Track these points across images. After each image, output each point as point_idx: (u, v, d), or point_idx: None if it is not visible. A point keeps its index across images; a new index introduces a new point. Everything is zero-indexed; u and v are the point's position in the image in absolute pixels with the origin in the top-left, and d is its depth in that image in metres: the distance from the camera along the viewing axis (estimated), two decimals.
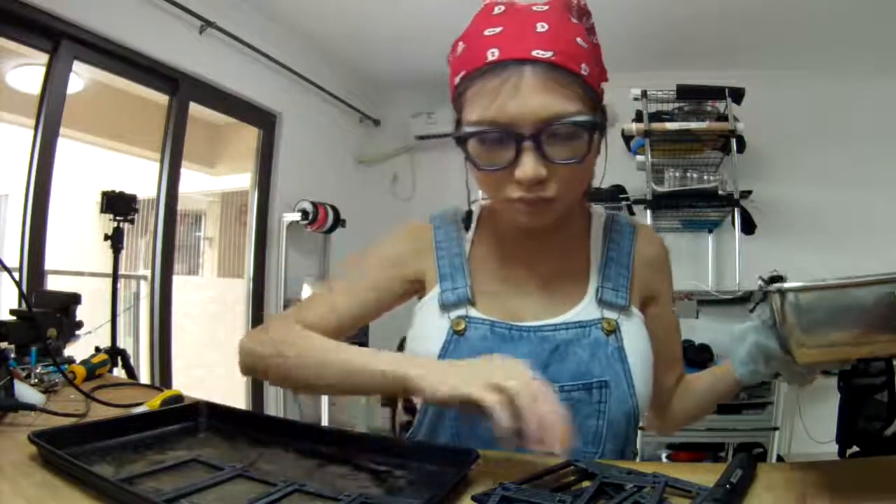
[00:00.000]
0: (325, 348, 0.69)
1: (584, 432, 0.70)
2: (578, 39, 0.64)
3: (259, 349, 0.73)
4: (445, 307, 0.75)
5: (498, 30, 0.63)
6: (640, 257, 0.78)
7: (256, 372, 0.74)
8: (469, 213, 0.82)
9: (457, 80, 0.67)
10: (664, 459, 2.72)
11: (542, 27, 0.62)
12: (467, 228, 0.81)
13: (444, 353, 0.72)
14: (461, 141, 0.66)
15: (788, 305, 0.49)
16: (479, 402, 0.52)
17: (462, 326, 0.73)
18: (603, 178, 0.75)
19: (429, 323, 0.76)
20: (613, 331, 0.72)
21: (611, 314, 0.73)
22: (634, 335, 0.74)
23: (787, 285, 0.49)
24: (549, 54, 0.61)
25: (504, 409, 0.52)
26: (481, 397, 0.53)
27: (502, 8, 0.66)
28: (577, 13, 0.67)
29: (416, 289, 0.80)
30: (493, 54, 0.62)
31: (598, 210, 0.83)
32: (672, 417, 0.86)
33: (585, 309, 0.74)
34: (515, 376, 0.54)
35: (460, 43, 0.68)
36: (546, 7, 0.65)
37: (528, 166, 0.62)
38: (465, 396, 0.54)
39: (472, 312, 0.74)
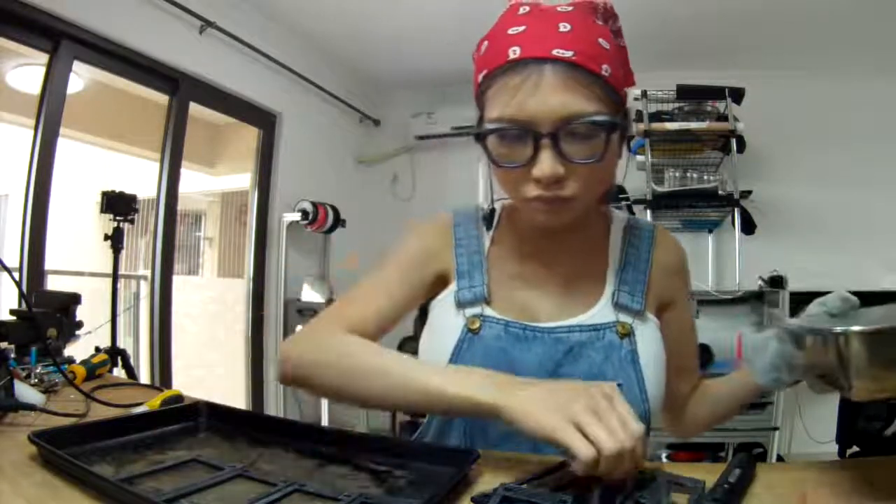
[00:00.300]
0: (386, 362, 0.66)
1: None
2: (601, 40, 0.64)
3: (306, 357, 0.70)
4: (461, 305, 0.75)
5: (521, 29, 0.64)
6: (659, 262, 0.78)
7: (301, 381, 0.71)
8: (492, 212, 0.82)
9: (480, 77, 0.68)
10: (664, 459, 2.72)
11: (564, 27, 0.62)
12: (489, 227, 0.80)
13: (458, 352, 0.72)
14: (480, 138, 0.66)
15: (854, 347, 0.48)
16: (570, 449, 0.50)
17: (477, 325, 0.73)
18: (624, 178, 0.75)
19: (444, 320, 0.75)
20: (628, 334, 0.72)
21: (626, 318, 0.73)
22: (648, 340, 0.73)
23: (855, 329, 0.48)
24: (569, 54, 0.61)
25: (589, 465, 0.49)
26: (577, 451, 0.50)
27: (527, 8, 0.66)
28: (602, 15, 0.67)
29: (442, 284, 0.79)
30: (514, 52, 0.62)
31: (619, 214, 0.83)
32: (690, 422, 0.86)
33: (601, 312, 0.74)
34: (614, 431, 0.50)
35: (485, 41, 0.68)
36: (571, 8, 0.66)
37: (546, 164, 0.62)
38: (555, 440, 0.51)
39: (488, 311, 0.74)
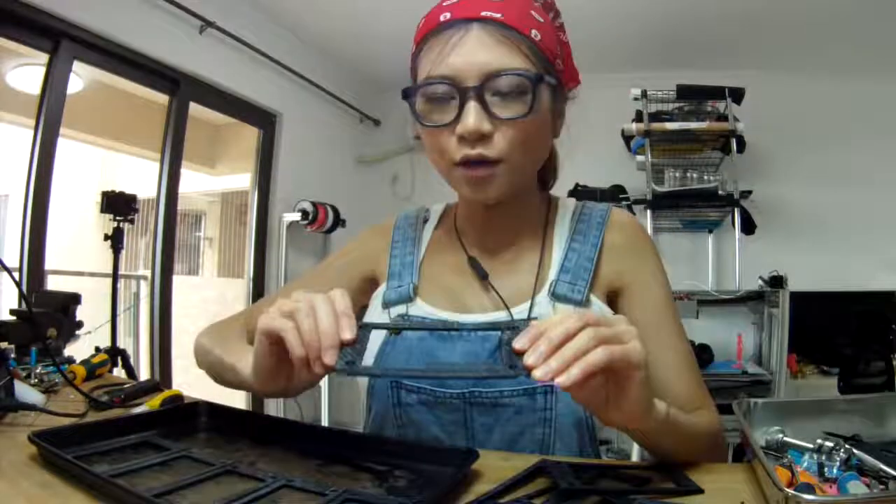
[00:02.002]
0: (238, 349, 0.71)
1: (529, 441, 0.66)
2: (534, 13, 0.65)
3: (204, 345, 0.77)
4: (387, 305, 0.75)
5: (454, 1, 0.65)
6: (609, 245, 0.72)
7: (200, 365, 0.77)
8: (431, 211, 0.84)
9: (413, 47, 0.68)
10: None
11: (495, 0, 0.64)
12: (436, 221, 0.82)
13: (382, 353, 0.70)
14: (408, 97, 0.66)
15: None
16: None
17: None
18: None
19: (371, 320, 0.75)
20: None
21: (564, 309, 0.68)
22: None
23: None
24: (498, 15, 0.62)
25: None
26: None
27: None
28: (543, 5, 0.70)
29: (375, 286, 0.80)
30: (445, 17, 0.64)
31: (567, 202, 0.79)
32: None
33: (537, 305, 0.69)
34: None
35: (422, 20, 0.69)
36: None
37: (470, 118, 0.60)
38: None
39: (414, 310, 0.73)
